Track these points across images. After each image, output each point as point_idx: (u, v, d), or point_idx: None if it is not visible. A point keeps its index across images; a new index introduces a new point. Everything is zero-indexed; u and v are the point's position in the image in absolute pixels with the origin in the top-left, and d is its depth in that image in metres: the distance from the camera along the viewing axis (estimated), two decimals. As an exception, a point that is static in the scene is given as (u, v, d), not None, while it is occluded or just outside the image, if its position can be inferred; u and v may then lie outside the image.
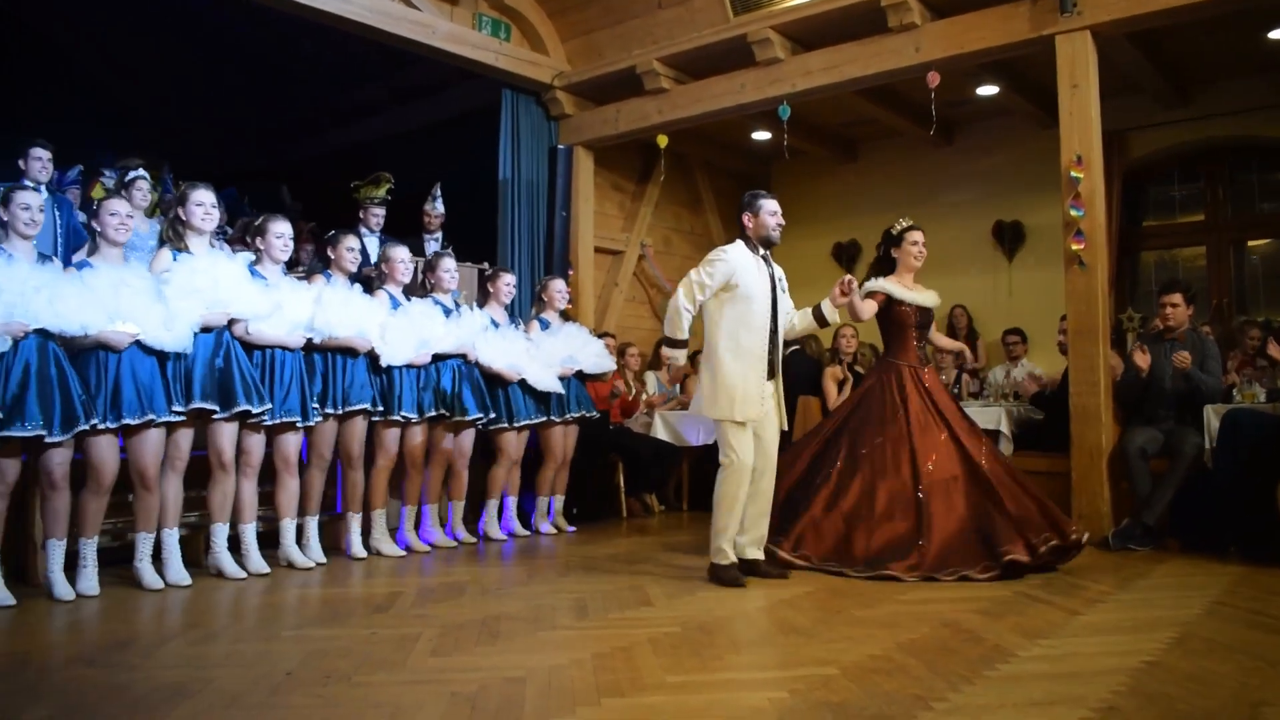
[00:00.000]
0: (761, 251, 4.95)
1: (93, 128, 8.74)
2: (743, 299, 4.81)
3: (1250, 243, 8.68)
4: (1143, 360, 5.81)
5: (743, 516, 4.83)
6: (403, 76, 10.29)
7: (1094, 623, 3.84)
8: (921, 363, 5.42)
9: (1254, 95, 7.96)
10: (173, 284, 4.66)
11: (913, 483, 5.01)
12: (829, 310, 5.11)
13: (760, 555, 4.96)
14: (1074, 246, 6.01)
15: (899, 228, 5.51)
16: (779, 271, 5.05)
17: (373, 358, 5.53)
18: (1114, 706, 2.72)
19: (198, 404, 4.70)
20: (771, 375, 4.90)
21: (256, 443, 5.07)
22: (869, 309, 5.31)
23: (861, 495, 5.09)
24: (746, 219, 4.93)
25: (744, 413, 4.73)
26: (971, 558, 4.80)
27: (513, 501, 6.52)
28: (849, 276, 5.08)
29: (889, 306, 5.38)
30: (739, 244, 4.93)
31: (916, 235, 5.45)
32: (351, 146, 10.94)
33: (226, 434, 4.89)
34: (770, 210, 4.92)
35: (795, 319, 5.16)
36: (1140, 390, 5.89)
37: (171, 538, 4.80)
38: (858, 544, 4.96)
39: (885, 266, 5.53)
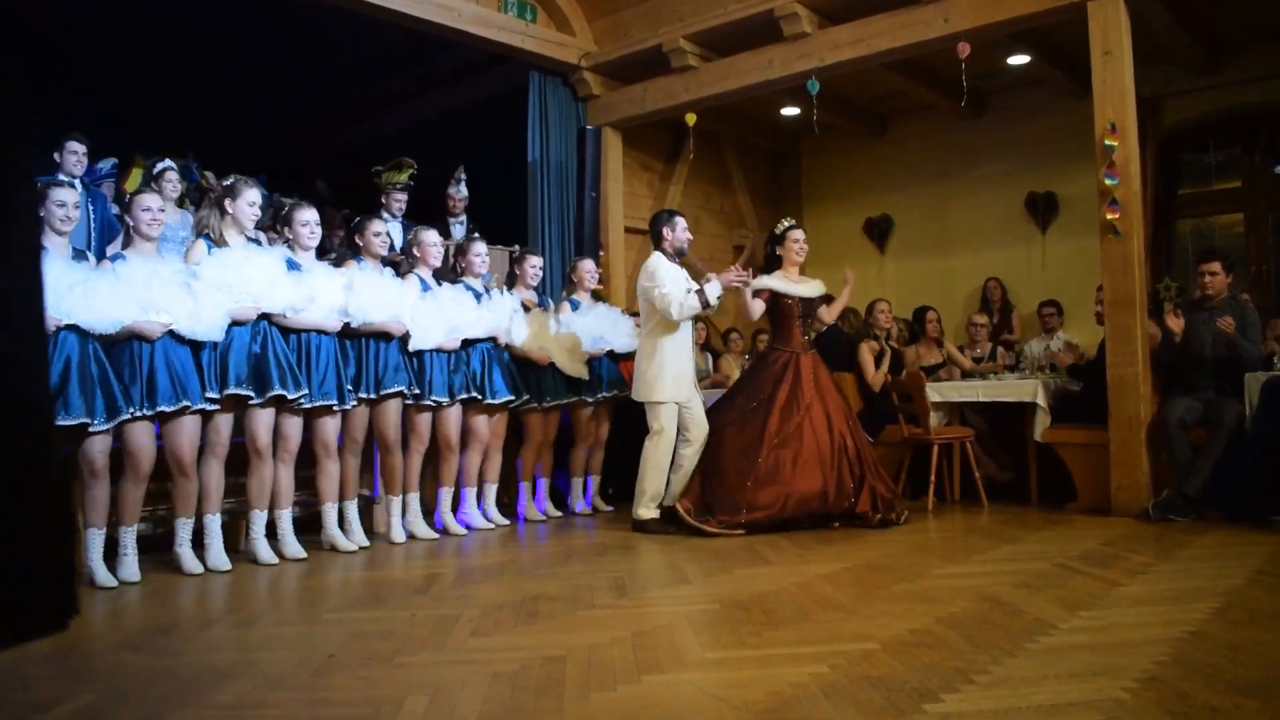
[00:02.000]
0: (676, 259, 6.00)
1: (107, 124, 8.79)
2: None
3: (1289, 208, 8.54)
4: (1175, 323, 5.74)
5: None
6: (430, 64, 10.30)
7: (1135, 594, 3.81)
8: (804, 349, 6.04)
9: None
10: (202, 277, 4.70)
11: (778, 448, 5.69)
12: (711, 292, 5.78)
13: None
14: (1109, 215, 5.94)
15: (782, 227, 6.22)
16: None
17: (404, 341, 5.57)
18: (1156, 677, 2.70)
19: (233, 390, 4.74)
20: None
21: (294, 427, 5.11)
22: (758, 308, 6.02)
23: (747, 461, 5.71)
24: (665, 232, 5.99)
25: (678, 395, 5.91)
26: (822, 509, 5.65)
27: (545, 483, 6.56)
28: (740, 269, 5.93)
29: (775, 300, 6.03)
30: (658, 255, 5.98)
31: (797, 234, 6.16)
32: (380, 136, 10.97)
33: (262, 420, 4.93)
34: (683, 226, 6.06)
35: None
36: (1180, 357, 5.82)
37: (214, 523, 4.86)
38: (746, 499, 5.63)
39: (772, 264, 6.23)
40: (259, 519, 5.04)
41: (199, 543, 4.83)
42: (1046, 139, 8.99)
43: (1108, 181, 5.95)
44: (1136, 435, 5.81)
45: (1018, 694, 2.61)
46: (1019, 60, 8.06)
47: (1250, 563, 4.31)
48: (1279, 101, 8.08)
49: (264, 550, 5.00)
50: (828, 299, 6.41)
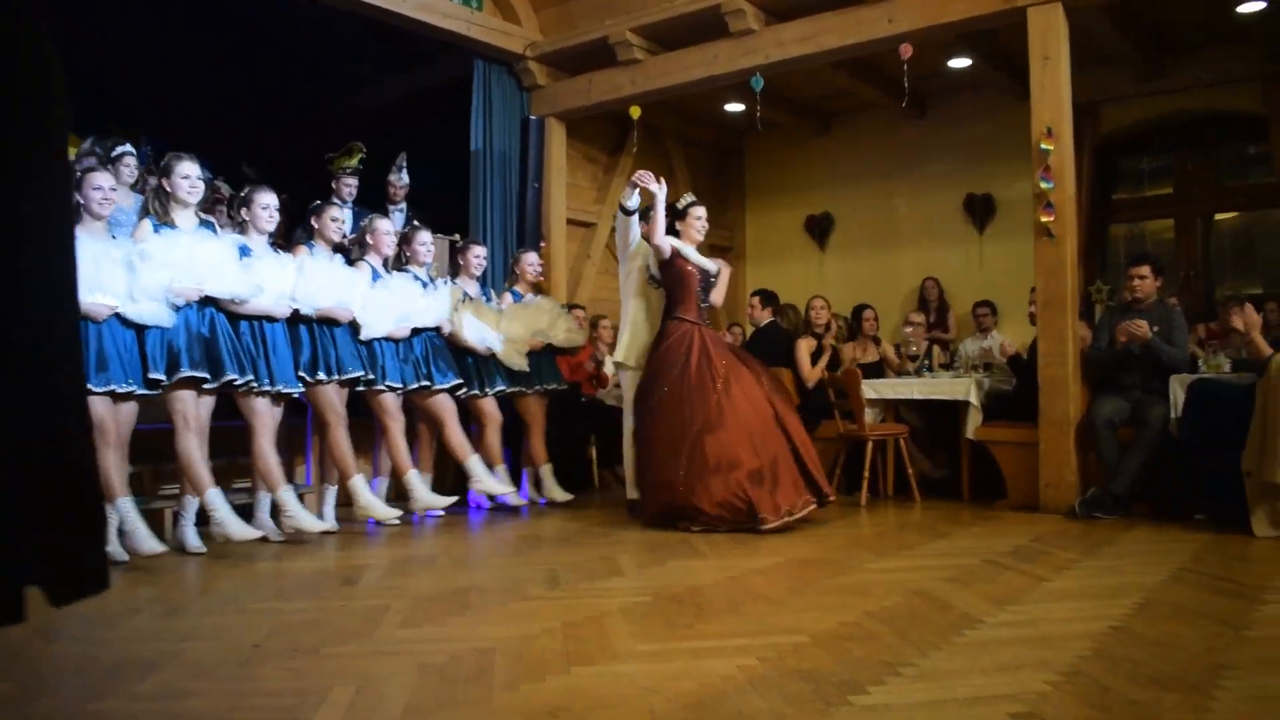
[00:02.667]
0: None
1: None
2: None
3: (1218, 216, 8.75)
4: (1140, 330, 5.78)
5: None
6: (374, 49, 10.14)
7: (1061, 589, 3.88)
8: (702, 320, 5.90)
9: (1224, 69, 8.00)
10: (148, 255, 4.62)
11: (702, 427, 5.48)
12: (629, 199, 6.03)
13: None
14: (1043, 218, 6.04)
15: (684, 202, 6.17)
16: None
17: (354, 328, 5.52)
18: (1079, 670, 2.75)
19: (185, 372, 4.65)
20: None
21: (265, 405, 5.09)
22: (665, 246, 5.86)
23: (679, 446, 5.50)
24: (644, 226, 6.09)
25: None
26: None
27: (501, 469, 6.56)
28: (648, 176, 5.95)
29: (675, 265, 5.88)
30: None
31: (699, 210, 6.14)
32: (322, 119, 10.80)
33: (204, 404, 4.86)
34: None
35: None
36: (1110, 359, 5.93)
37: (204, 501, 4.88)
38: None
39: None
40: (191, 505, 4.95)
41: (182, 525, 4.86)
42: (986, 141, 9.11)
43: (1043, 185, 6.05)
44: (1066, 434, 5.92)
45: (943, 687, 2.64)
46: (961, 63, 8.17)
47: (1173, 560, 4.40)
48: (1212, 110, 8.28)
49: (192, 537, 4.91)
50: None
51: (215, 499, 4.83)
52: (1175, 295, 8.05)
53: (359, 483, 5.51)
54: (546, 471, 6.68)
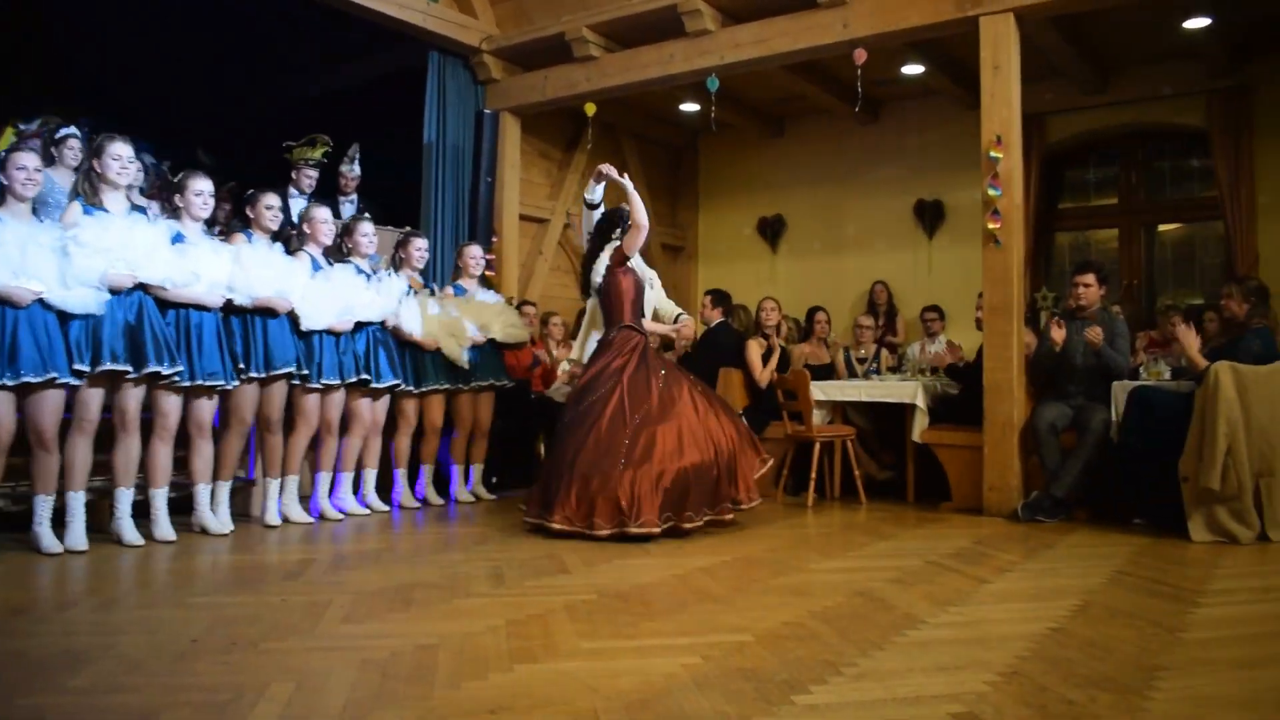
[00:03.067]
0: None
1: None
2: None
3: (1161, 227, 8.91)
4: (1058, 334, 5.94)
5: None
6: (329, 37, 10.02)
7: (1001, 591, 3.93)
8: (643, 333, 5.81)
9: (1169, 83, 8.17)
10: (79, 240, 4.48)
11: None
12: (593, 192, 5.96)
13: None
14: (991, 225, 6.11)
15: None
16: None
17: (293, 320, 5.42)
18: (1018, 671, 2.78)
19: (107, 365, 4.53)
20: None
21: (174, 405, 4.92)
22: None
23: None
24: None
25: None
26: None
27: (428, 469, 6.48)
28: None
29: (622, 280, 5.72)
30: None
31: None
32: (275, 106, 10.66)
33: (133, 394, 4.74)
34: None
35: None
36: (1053, 364, 6.02)
37: (76, 501, 4.66)
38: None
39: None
40: (125, 497, 4.83)
41: (60, 521, 4.62)
42: (937, 148, 9.22)
43: (991, 192, 6.12)
44: (1009, 438, 5.99)
45: (884, 686, 2.66)
46: (914, 70, 8.24)
47: (1112, 563, 4.48)
48: (1157, 124, 8.44)
49: (129, 530, 4.80)
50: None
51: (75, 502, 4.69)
52: (1118, 304, 8.20)
53: (202, 492, 5.22)
54: (474, 470, 6.70)
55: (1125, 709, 2.49)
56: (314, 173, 6.99)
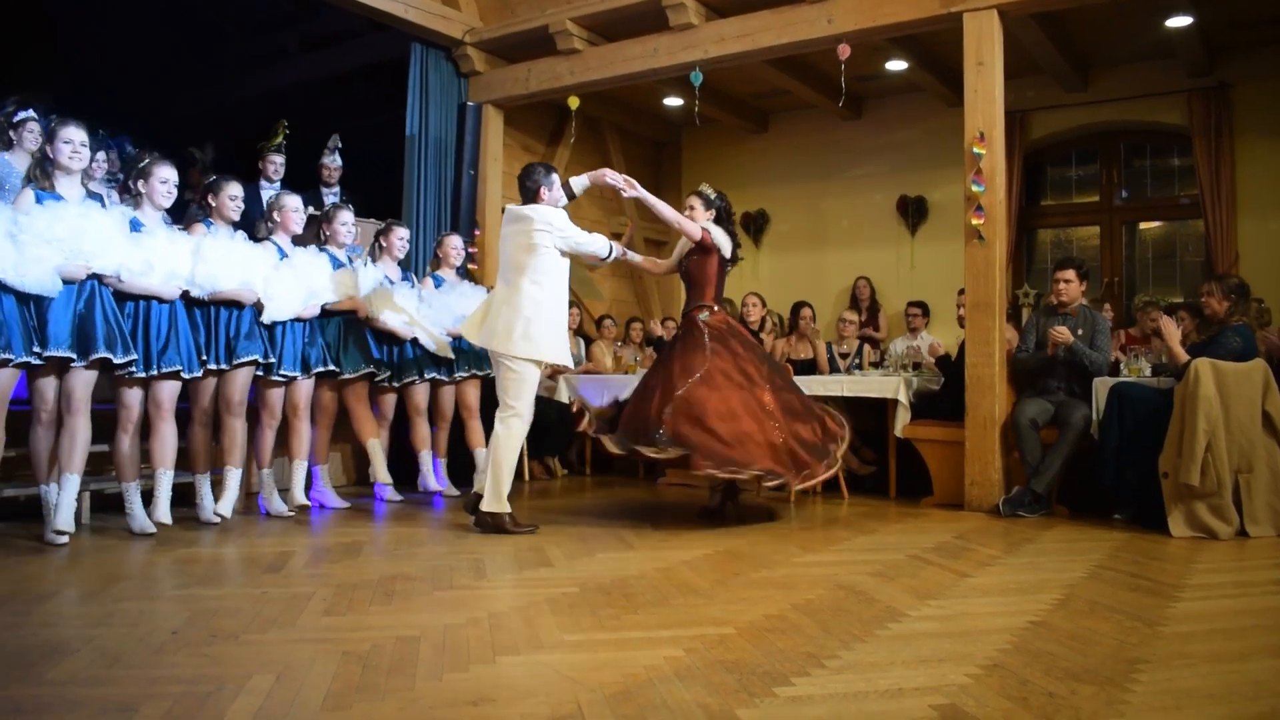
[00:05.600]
0: None
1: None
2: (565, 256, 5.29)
3: (1142, 224, 8.96)
4: (1061, 336, 5.88)
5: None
6: (311, 25, 9.99)
7: (983, 585, 3.94)
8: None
9: (1150, 82, 8.22)
10: (30, 229, 4.36)
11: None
12: (578, 184, 5.56)
13: None
14: (974, 221, 6.13)
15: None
16: None
17: (259, 309, 5.34)
18: (999, 664, 2.79)
19: (52, 352, 4.42)
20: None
21: (134, 396, 4.87)
22: (695, 229, 5.60)
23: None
24: (543, 193, 5.35)
25: (561, 356, 5.19)
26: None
27: (433, 460, 6.49)
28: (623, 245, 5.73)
29: (711, 255, 5.64)
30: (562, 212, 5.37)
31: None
32: (257, 95, 10.59)
33: (81, 379, 4.60)
34: (559, 186, 5.46)
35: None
36: (1036, 364, 6.04)
37: (50, 493, 4.63)
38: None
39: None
40: (71, 484, 4.62)
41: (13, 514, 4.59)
42: (920, 144, 9.25)
43: (974, 188, 6.14)
44: (991, 434, 6.02)
45: (865, 678, 2.67)
46: (897, 65, 8.26)
47: (1092, 558, 4.50)
48: (1138, 122, 8.49)
49: (64, 519, 4.60)
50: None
51: (51, 493, 4.66)
52: (1098, 300, 8.25)
53: (163, 479, 5.13)
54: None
55: (1105, 701, 2.50)
56: (279, 158, 6.95)
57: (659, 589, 3.82)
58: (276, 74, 10.76)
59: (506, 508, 5.11)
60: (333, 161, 7.43)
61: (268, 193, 6.64)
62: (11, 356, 4.30)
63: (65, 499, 4.60)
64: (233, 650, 2.90)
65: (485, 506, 5.09)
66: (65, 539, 4.58)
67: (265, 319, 5.35)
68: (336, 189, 7.44)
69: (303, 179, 7.31)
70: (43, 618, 3.31)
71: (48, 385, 4.58)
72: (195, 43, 10.68)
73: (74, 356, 4.51)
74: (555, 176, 5.43)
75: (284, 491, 5.78)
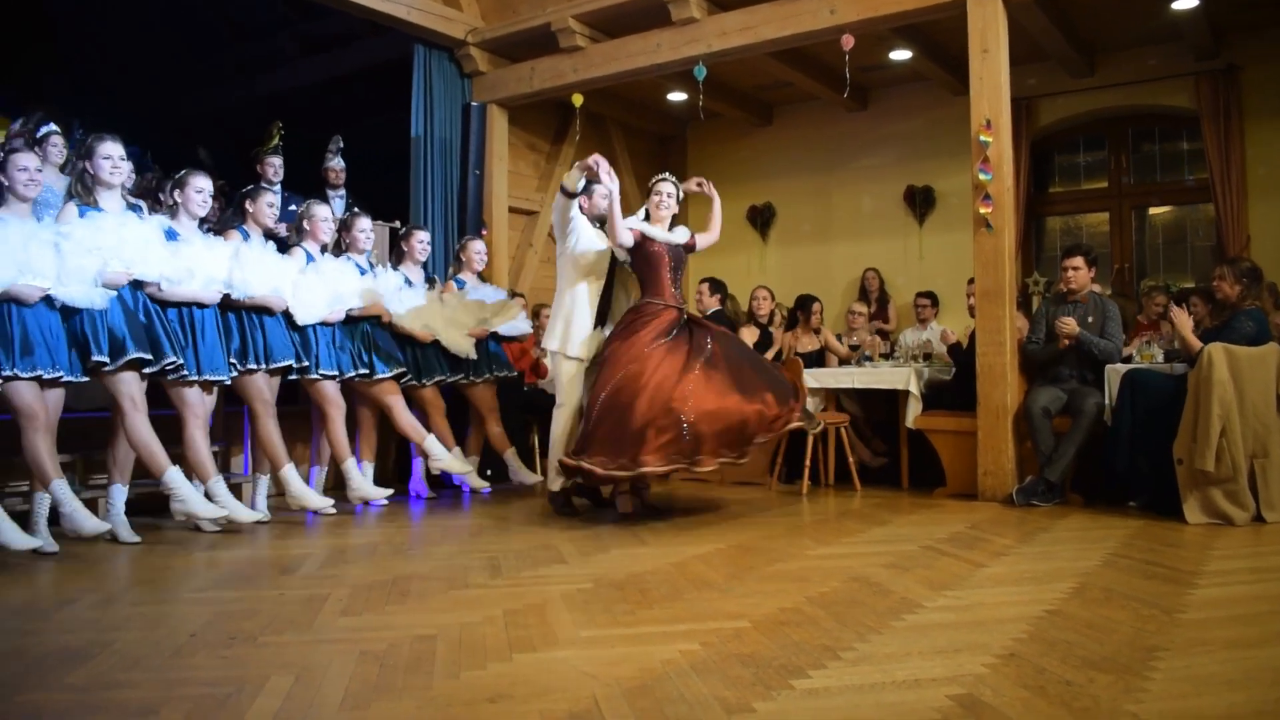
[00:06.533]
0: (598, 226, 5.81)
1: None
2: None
3: (1151, 210, 8.92)
4: (1070, 327, 5.88)
5: None
6: (312, 27, 10.00)
7: (997, 574, 3.94)
8: (678, 302, 5.60)
9: (1156, 66, 8.17)
10: (73, 239, 4.47)
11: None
12: (573, 181, 5.55)
13: None
14: (982, 209, 6.11)
15: (654, 180, 5.84)
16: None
17: (287, 316, 5.46)
18: (1015, 653, 2.79)
19: (133, 354, 4.55)
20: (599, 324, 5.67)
21: (195, 395, 4.99)
22: (626, 237, 5.51)
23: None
24: (583, 201, 5.74)
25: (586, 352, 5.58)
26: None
27: (421, 462, 6.50)
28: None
29: (640, 246, 5.56)
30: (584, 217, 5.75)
31: (663, 186, 5.74)
32: (260, 98, 10.61)
33: (138, 383, 4.72)
34: (602, 194, 5.68)
35: None
36: (1047, 356, 6.03)
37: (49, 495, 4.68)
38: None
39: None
40: (119, 494, 4.83)
41: (53, 519, 4.59)
42: (926, 134, 9.22)
43: (982, 176, 6.12)
44: (1003, 423, 6.00)
45: (882, 670, 2.67)
46: (901, 55, 8.23)
47: (1107, 546, 4.48)
48: (1146, 106, 8.44)
49: (123, 529, 4.79)
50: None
51: (176, 478, 4.75)
52: (1109, 288, 8.23)
53: (290, 472, 5.44)
54: (511, 456, 6.64)
55: (1124, 689, 2.49)
56: (277, 160, 6.98)
57: (673, 584, 3.82)
58: (277, 77, 10.79)
59: (557, 486, 5.57)
60: (337, 164, 7.45)
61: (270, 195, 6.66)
62: (63, 374, 4.39)
63: (116, 507, 4.83)
64: (251, 652, 2.91)
65: (549, 488, 5.65)
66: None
67: (298, 321, 5.47)
68: (343, 191, 7.45)
69: (304, 181, 7.32)
70: (63, 622, 3.33)
71: (124, 381, 4.67)
72: (195, 44, 10.70)
73: (151, 357, 4.64)
74: (596, 186, 5.77)
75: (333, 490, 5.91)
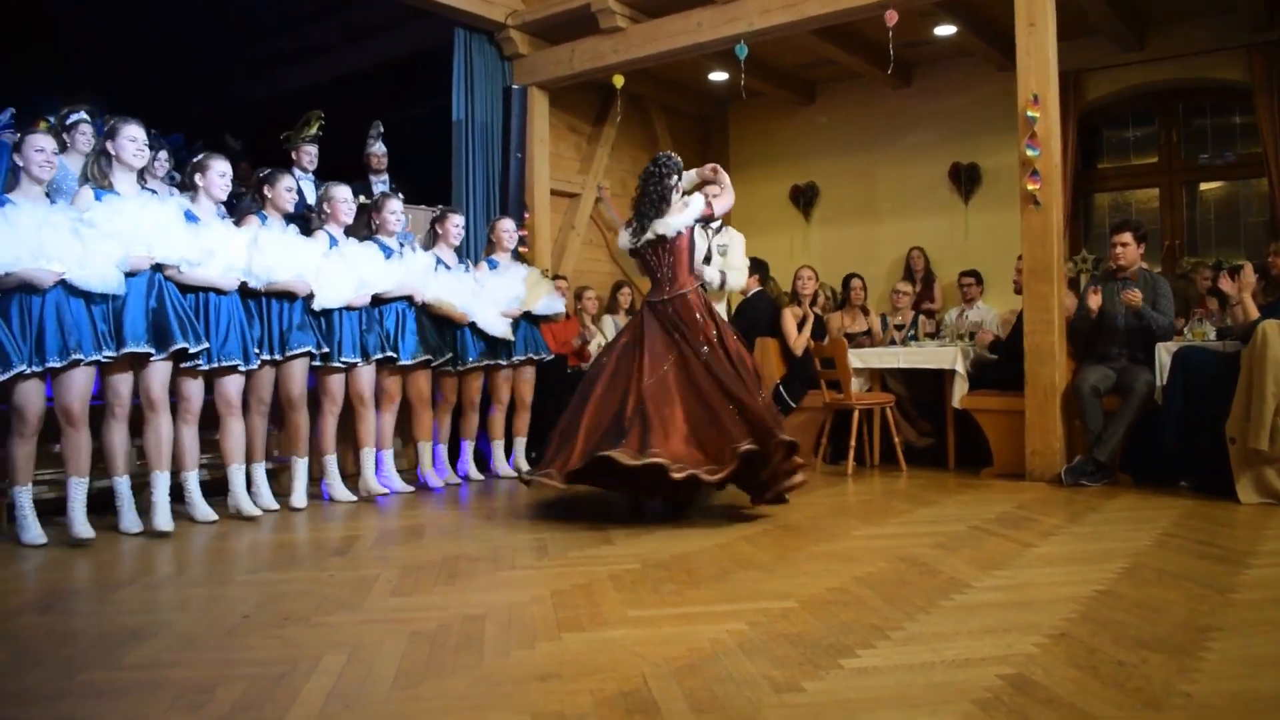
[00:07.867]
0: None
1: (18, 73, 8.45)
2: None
3: (1202, 185, 8.76)
4: (1094, 301, 5.88)
5: None
6: (352, 15, 10.04)
7: (1047, 554, 3.90)
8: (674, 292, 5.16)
9: (1207, 38, 8.00)
10: (92, 223, 4.42)
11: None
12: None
13: None
14: (1030, 186, 6.02)
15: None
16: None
17: (309, 300, 5.39)
18: (1066, 633, 2.77)
19: (130, 348, 4.50)
20: None
21: (195, 387, 4.93)
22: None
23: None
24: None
25: None
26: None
27: (469, 445, 6.51)
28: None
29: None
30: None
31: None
32: (301, 88, 10.69)
33: (157, 374, 4.70)
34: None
35: None
36: (1090, 330, 5.96)
37: (123, 485, 4.71)
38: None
39: None
40: (160, 481, 4.77)
41: (93, 507, 4.60)
42: (971, 111, 9.10)
43: (1029, 152, 6.03)
44: (1051, 402, 5.93)
45: (931, 649, 2.66)
46: (946, 31, 8.12)
47: (1158, 526, 4.43)
48: (1196, 80, 8.27)
49: (163, 515, 4.73)
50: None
51: (123, 487, 4.77)
52: (1159, 265, 8.10)
53: (235, 474, 5.23)
54: (516, 445, 6.75)
55: (1178, 669, 2.46)
56: (313, 149, 6.98)
57: (719, 564, 3.82)
58: (317, 67, 10.86)
59: None
60: (378, 149, 7.46)
61: (304, 184, 6.68)
62: (82, 356, 4.36)
63: (160, 497, 4.74)
64: (304, 632, 2.96)
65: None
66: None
67: (316, 306, 5.40)
68: (385, 176, 7.48)
69: (346, 169, 7.36)
70: (120, 604, 3.40)
71: (122, 381, 4.64)
72: (233, 38, 10.78)
73: (152, 351, 4.60)
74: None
75: (350, 478, 5.87)
